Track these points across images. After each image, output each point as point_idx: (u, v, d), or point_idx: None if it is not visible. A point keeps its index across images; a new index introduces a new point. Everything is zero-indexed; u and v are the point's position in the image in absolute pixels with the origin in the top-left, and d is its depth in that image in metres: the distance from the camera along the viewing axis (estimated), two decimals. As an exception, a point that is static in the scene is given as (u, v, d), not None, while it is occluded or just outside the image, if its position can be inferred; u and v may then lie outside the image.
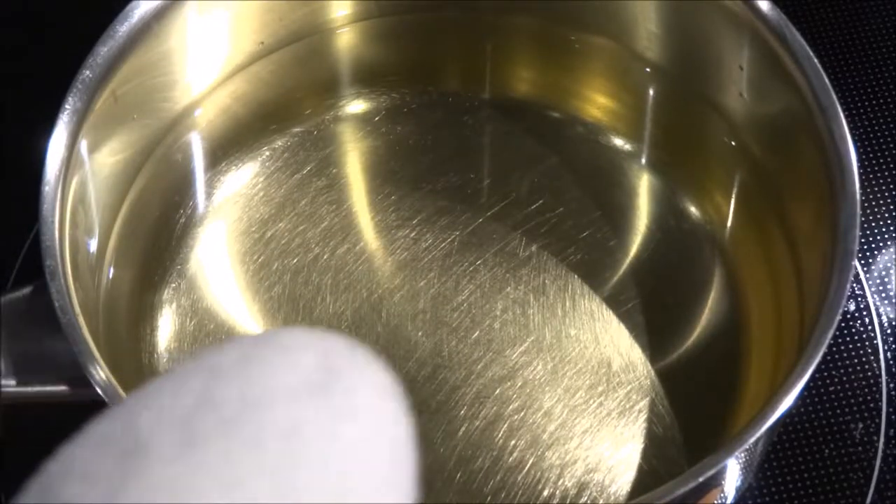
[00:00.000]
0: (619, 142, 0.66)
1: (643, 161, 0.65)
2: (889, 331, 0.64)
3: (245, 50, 0.65)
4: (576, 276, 0.61)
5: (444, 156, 0.65)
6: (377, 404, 0.32)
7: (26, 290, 0.52)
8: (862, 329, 0.64)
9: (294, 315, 0.61)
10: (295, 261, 0.62)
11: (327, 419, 0.30)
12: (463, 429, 0.58)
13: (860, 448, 0.61)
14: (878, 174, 0.69)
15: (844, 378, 0.63)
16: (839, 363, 0.63)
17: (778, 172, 0.60)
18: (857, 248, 0.51)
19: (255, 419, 0.30)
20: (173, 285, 0.62)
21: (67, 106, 0.55)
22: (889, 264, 0.67)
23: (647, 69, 0.65)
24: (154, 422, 0.30)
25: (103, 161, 0.59)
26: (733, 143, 0.63)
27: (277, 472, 0.29)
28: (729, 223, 0.63)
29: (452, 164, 0.65)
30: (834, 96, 0.55)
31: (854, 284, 0.65)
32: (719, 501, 0.57)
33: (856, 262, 0.61)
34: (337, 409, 0.31)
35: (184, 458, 0.29)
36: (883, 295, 0.66)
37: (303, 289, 0.62)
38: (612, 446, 0.57)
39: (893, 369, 0.63)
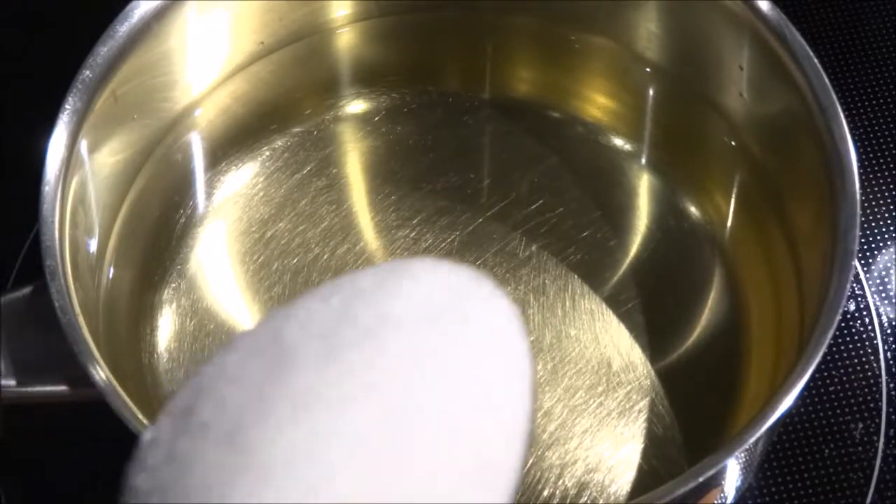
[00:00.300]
0: (619, 142, 0.66)
1: (643, 161, 0.65)
2: (889, 331, 0.64)
3: (245, 50, 0.65)
4: (576, 276, 0.61)
5: (444, 156, 0.65)
6: (499, 330, 0.35)
7: (26, 290, 0.52)
8: (862, 329, 0.64)
9: (294, 315, 0.61)
10: (295, 261, 0.62)
11: (454, 339, 0.34)
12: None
13: (860, 448, 0.61)
14: (878, 174, 0.69)
15: (844, 378, 0.63)
16: (839, 363, 0.63)
17: (778, 172, 0.60)
18: (857, 248, 0.51)
19: (389, 336, 0.33)
20: (173, 285, 0.62)
21: (67, 106, 0.55)
22: (889, 264, 0.67)
23: (647, 69, 0.65)
24: (298, 334, 0.33)
25: (103, 161, 0.59)
26: (733, 143, 0.63)
27: (409, 382, 0.32)
28: (729, 223, 0.63)
29: (452, 164, 0.65)
30: (834, 96, 0.55)
31: (854, 284, 0.65)
32: (719, 501, 0.57)
33: (856, 262, 0.61)
34: (462, 331, 0.34)
35: (325, 366, 0.32)
36: (883, 295, 0.66)
37: (303, 289, 0.61)
38: (612, 446, 0.57)
39: (893, 369, 0.63)
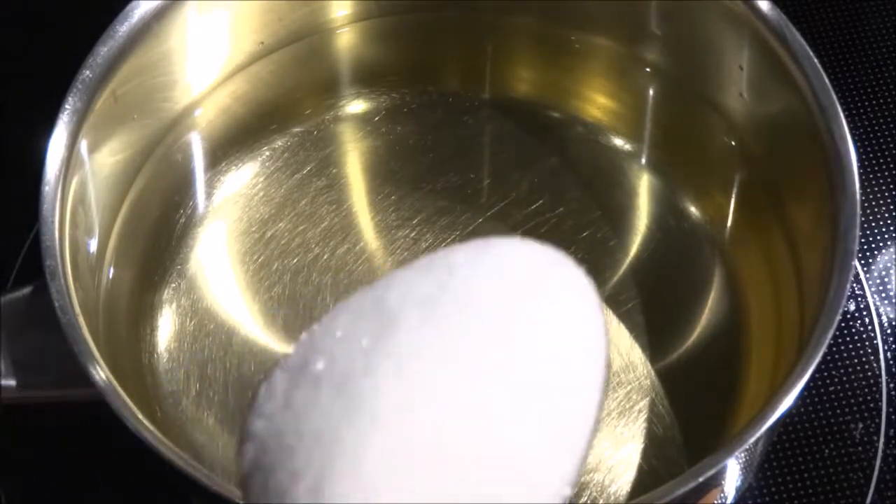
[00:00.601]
0: (619, 142, 0.66)
1: (643, 161, 0.65)
2: (889, 331, 0.64)
3: (245, 50, 0.65)
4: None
5: (444, 156, 0.65)
6: (578, 305, 0.38)
7: (26, 290, 0.52)
8: (862, 329, 0.64)
9: (294, 315, 0.61)
10: (295, 261, 0.62)
11: (539, 311, 0.38)
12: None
13: (860, 448, 0.61)
14: (878, 174, 0.69)
15: (844, 378, 0.63)
16: (839, 363, 0.63)
17: (778, 172, 0.60)
18: (857, 248, 0.51)
19: (481, 307, 0.37)
20: (173, 285, 0.62)
21: (67, 106, 0.55)
22: (889, 264, 0.67)
23: (647, 69, 0.65)
24: (401, 301, 0.37)
25: (103, 161, 0.59)
26: (733, 143, 0.63)
27: (498, 348, 0.36)
28: (729, 223, 0.63)
29: (452, 164, 0.65)
30: (834, 96, 0.55)
31: (854, 284, 0.65)
32: (719, 501, 0.57)
33: (856, 262, 0.61)
34: (548, 304, 0.38)
35: (425, 329, 0.36)
36: (883, 295, 0.66)
37: (303, 289, 0.62)
38: (612, 446, 0.57)
39: (893, 369, 0.63)
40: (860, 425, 0.62)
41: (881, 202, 0.68)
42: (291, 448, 0.36)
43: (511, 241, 0.40)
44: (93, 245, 0.58)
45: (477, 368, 0.36)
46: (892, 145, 0.70)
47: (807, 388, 0.48)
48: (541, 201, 0.64)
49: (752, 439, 0.48)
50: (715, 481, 0.50)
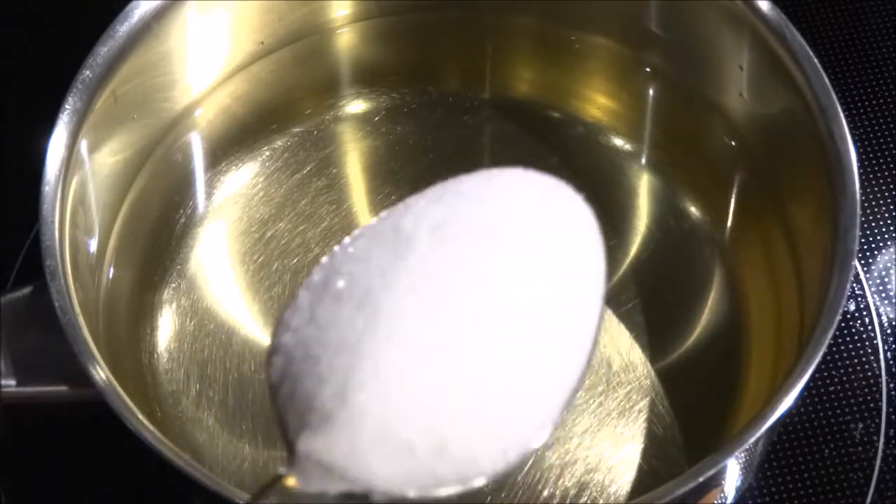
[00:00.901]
0: (619, 142, 0.66)
1: (643, 161, 0.65)
2: (889, 331, 0.64)
3: (245, 50, 0.65)
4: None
5: (444, 156, 0.65)
6: (577, 224, 0.42)
7: (26, 290, 0.52)
8: (862, 329, 0.64)
9: (294, 315, 0.61)
10: (295, 261, 0.62)
11: (541, 233, 0.41)
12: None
13: (860, 448, 0.61)
14: (878, 174, 0.69)
15: (844, 378, 0.63)
16: (839, 363, 0.63)
17: (778, 172, 0.60)
18: (857, 248, 0.51)
19: (488, 227, 0.41)
20: (173, 285, 0.62)
21: (67, 106, 0.55)
22: (889, 264, 0.67)
23: (647, 69, 0.65)
24: (415, 225, 0.41)
25: (103, 161, 0.59)
26: (733, 143, 0.63)
27: (505, 262, 0.40)
28: (729, 223, 0.63)
29: (452, 164, 0.65)
30: (834, 96, 0.55)
31: (854, 284, 0.65)
32: (719, 501, 0.57)
33: (856, 262, 0.61)
34: (549, 227, 0.41)
35: (437, 251, 0.40)
36: (883, 295, 0.66)
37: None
38: (612, 446, 0.57)
39: (893, 369, 0.63)
40: (860, 425, 0.62)
41: (881, 202, 0.68)
42: (317, 357, 0.39)
43: (515, 170, 0.43)
44: (93, 245, 0.58)
45: (485, 286, 0.39)
46: (892, 145, 0.70)
47: (807, 388, 0.48)
48: (541, 201, 0.64)
49: (752, 439, 0.48)
50: (715, 481, 0.50)
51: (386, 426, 0.38)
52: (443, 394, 0.38)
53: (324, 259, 0.41)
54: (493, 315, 0.39)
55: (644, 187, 0.65)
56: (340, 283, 0.40)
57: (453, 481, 0.39)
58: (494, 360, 0.39)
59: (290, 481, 0.38)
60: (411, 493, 0.38)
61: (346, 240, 0.42)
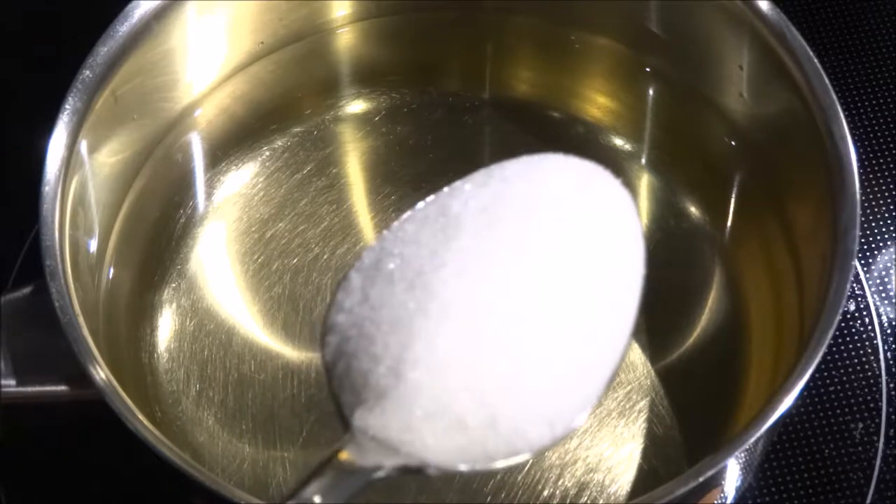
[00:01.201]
0: (619, 142, 0.65)
1: (643, 161, 0.65)
2: (889, 331, 0.64)
3: (245, 50, 0.65)
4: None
5: (444, 156, 0.65)
6: (618, 209, 0.44)
7: (26, 290, 0.52)
8: (862, 329, 0.64)
9: (294, 315, 0.61)
10: (295, 261, 0.62)
11: (583, 215, 0.43)
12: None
13: (860, 448, 0.61)
14: (878, 174, 0.69)
15: (844, 378, 0.63)
16: (839, 363, 0.63)
17: (778, 173, 0.60)
18: (857, 248, 0.51)
19: (533, 210, 0.42)
20: (173, 285, 0.62)
21: (67, 106, 0.55)
22: (889, 264, 0.67)
23: (647, 69, 0.65)
24: (462, 208, 0.42)
25: (103, 161, 0.59)
26: (733, 143, 0.63)
27: (550, 243, 0.42)
28: (729, 223, 0.63)
29: (452, 164, 0.65)
30: (834, 96, 0.55)
31: (854, 284, 0.65)
32: (719, 501, 0.57)
33: (856, 262, 0.61)
34: (590, 209, 0.43)
35: (485, 233, 0.41)
36: (883, 295, 0.66)
37: (303, 289, 0.62)
38: (612, 446, 0.57)
39: (893, 369, 0.63)
40: (860, 425, 0.62)
41: (881, 202, 0.68)
42: (371, 336, 0.40)
43: (557, 155, 0.46)
44: (93, 245, 0.58)
45: (532, 266, 0.41)
46: (892, 145, 0.70)
47: (807, 388, 0.48)
48: (541, 201, 0.64)
49: (752, 439, 0.48)
50: (715, 481, 0.50)
51: (439, 402, 0.39)
52: (493, 370, 0.40)
53: (373, 243, 0.44)
54: (540, 294, 0.41)
55: (644, 187, 0.65)
56: (391, 265, 0.41)
57: (503, 455, 0.40)
58: (541, 338, 0.41)
59: (345, 455, 0.40)
60: (463, 467, 0.40)
61: (395, 224, 0.44)
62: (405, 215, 0.44)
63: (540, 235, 0.42)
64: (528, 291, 0.41)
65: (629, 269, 0.44)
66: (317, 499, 0.39)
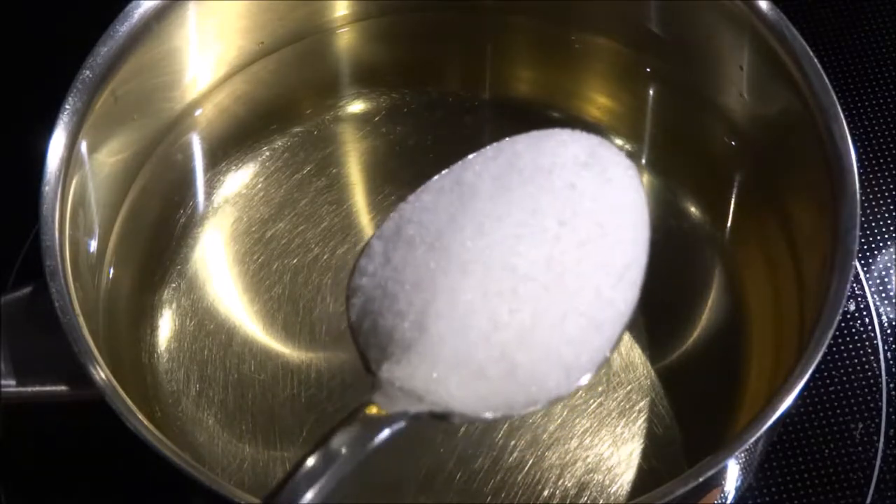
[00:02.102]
0: (619, 142, 0.65)
1: (643, 161, 0.65)
2: (889, 331, 0.64)
3: (245, 50, 0.65)
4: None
5: (444, 156, 0.65)
6: (623, 178, 0.47)
7: (26, 290, 0.52)
8: (862, 329, 0.64)
9: (294, 315, 0.61)
10: (295, 261, 0.62)
11: (591, 182, 0.45)
12: (463, 429, 0.57)
13: (860, 448, 0.61)
14: (878, 174, 0.69)
15: (844, 378, 0.63)
16: (839, 363, 0.63)
17: (778, 173, 0.60)
18: (857, 248, 0.51)
19: (544, 178, 0.45)
20: (173, 285, 0.62)
21: (67, 106, 0.55)
22: (889, 264, 0.67)
23: (648, 69, 0.65)
24: (476, 178, 0.45)
25: (103, 161, 0.59)
26: (733, 143, 0.63)
27: (561, 206, 0.44)
28: (729, 223, 0.63)
29: (452, 164, 0.65)
30: (834, 96, 0.55)
31: (854, 284, 0.65)
32: (719, 501, 0.57)
33: (856, 262, 0.61)
34: (598, 177, 0.46)
35: (499, 197, 0.44)
36: (883, 295, 0.66)
37: (303, 289, 0.62)
38: (612, 446, 0.57)
39: (893, 369, 0.63)
40: (860, 425, 0.62)
41: (881, 202, 0.68)
42: (394, 294, 0.43)
43: (563, 130, 0.48)
44: (93, 245, 0.58)
45: (547, 226, 0.44)
46: (892, 145, 0.70)
47: (807, 388, 0.49)
48: (541, 201, 0.64)
49: (752, 439, 0.48)
50: (715, 481, 0.51)
51: (461, 353, 0.42)
52: (511, 323, 0.42)
53: (392, 214, 0.46)
54: (554, 252, 0.44)
55: (644, 187, 0.64)
56: (411, 231, 0.44)
57: (523, 403, 0.43)
58: (556, 294, 0.43)
59: (374, 407, 0.42)
60: (487, 415, 0.42)
61: (411, 196, 0.47)
62: (421, 188, 0.47)
63: (552, 198, 0.45)
64: (542, 250, 0.44)
65: (636, 229, 0.47)
66: (343, 450, 0.40)
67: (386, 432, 0.42)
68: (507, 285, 0.43)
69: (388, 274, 0.44)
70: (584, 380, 0.44)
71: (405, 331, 0.42)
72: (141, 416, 0.48)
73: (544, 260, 0.44)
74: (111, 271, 0.60)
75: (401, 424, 0.42)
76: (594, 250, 0.45)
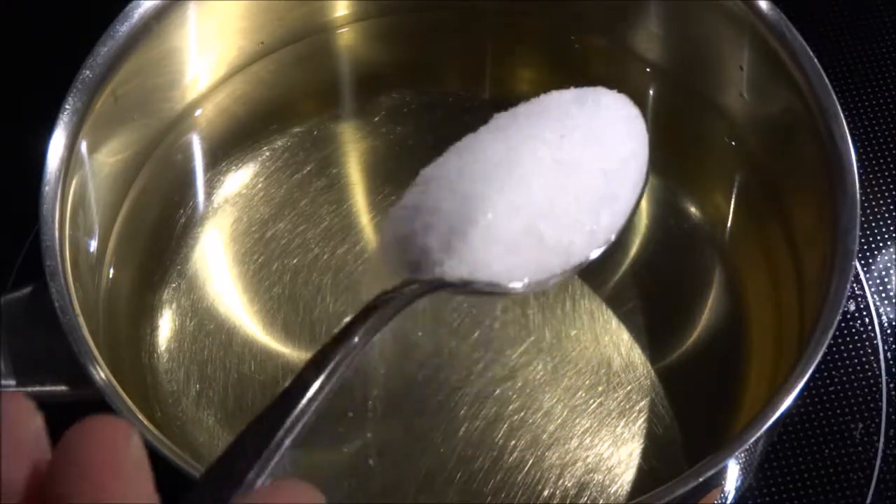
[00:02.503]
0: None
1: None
2: (889, 331, 0.64)
3: (245, 50, 0.65)
4: (576, 277, 0.61)
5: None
6: (625, 114, 0.52)
7: (26, 290, 0.52)
8: (862, 329, 0.64)
9: (294, 315, 0.61)
10: (295, 261, 0.62)
11: (594, 120, 0.51)
12: (463, 429, 0.58)
13: (860, 448, 0.61)
14: (878, 174, 0.69)
15: (844, 378, 0.63)
16: (839, 363, 0.63)
17: (778, 172, 0.60)
18: (857, 248, 0.52)
19: (559, 111, 0.51)
20: (173, 285, 0.62)
21: (67, 106, 0.55)
22: (889, 264, 0.67)
23: (647, 69, 0.65)
24: (492, 130, 0.51)
25: (103, 161, 0.59)
26: (733, 143, 0.63)
27: (563, 126, 0.50)
28: (729, 223, 0.63)
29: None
30: (834, 96, 0.55)
31: (854, 284, 0.65)
32: (719, 501, 0.57)
33: (856, 262, 0.61)
34: (600, 116, 0.51)
35: (519, 130, 0.50)
36: (883, 295, 0.66)
37: (303, 289, 0.61)
38: (612, 446, 0.57)
39: (893, 369, 0.63)
40: (860, 425, 0.62)
41: (881, 202, 0.68)
42: (432, 204, 0.48)
43: (565, 91, 0.52)
44: (93, 245, 0.58)
45: (555, 154, 0.49)
46: (892, 145, 0.70)
47: (807, 388, 0.49)
48: (541, 201, 0.64)
49: (752, 439, 0.48)
50: (715, 481, 0.51)
51: (495, 232, 0.46)
52: (533, 202, 0.47)
53: (418, 179, 0.50)
54: (561, 154, 0.49)
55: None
56: (443, 171, 0.49)
57: (557, 267, 0.48)
58: (570, 178, 0.49)
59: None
60: (524, 281, 0.48)
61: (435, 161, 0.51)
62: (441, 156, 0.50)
63: (558, 132, 0.49)
64: (561, 153, 0.49)
65: (636, 138, 0.52)
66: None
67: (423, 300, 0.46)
68: (531, 179, 0.48)
69: (417, 197, 0.49)
70: (606, 242, 0.50)
71: (444, 223, 0.47)
72: (141, 416, 0.48)
73: (551, 159, 0.49)
74: (111, 271, 0.60)
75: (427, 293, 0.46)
76: (596, 146, 0.50)
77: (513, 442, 0.57)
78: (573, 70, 0.67)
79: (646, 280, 0.62)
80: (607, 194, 0.50)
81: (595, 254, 0.50)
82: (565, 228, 0.48)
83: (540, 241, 0.48)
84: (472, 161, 0.49)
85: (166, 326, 0.61)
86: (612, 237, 0.50)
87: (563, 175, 0.49)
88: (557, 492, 0.56)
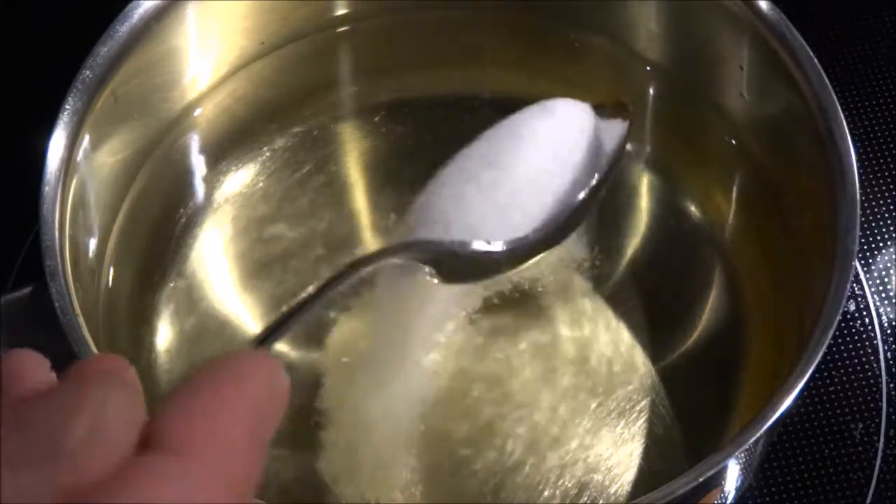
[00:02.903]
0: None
1: (643, 161, 0.65)
2: (889, 331, 0.65)
3: (245, 49, 0.65)
4: (576, 276, 0.61)
5: (444, 156, 0.65)
6: (578, 118, 0.54)
7: (26, 290, 0.52)
8: (862, 329, 0.64)
9: (294, 315, 0.61)
10: (295, 261, 0.62)
11: (548, 128, 0.54)
12: (463, 429, 0.57)
13: (860, 448, 0.61)
14: (878, 174, 0.69)
15: (844, 378, 0.63)
16: (839, 363, 0.63)
17: (778, 172, 0.60)
18: (857, 248, 0.51)
19: (501, 132, 0.55)
20: (173, 285, 0.62)
21: (67, 106, 0.55)
22: (889, 264, 0.67)
23: (647, 69, 0.65)
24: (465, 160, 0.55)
25: (103, 161, 0.59)
26: (733, 143, 0.63)
27: (519, 148, 0.53)
28: (729, 223, 0.63)
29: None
30: (834, 96, 0.55)
31: (854, 284, 0.65)
32: (719, 501, 0.57)
33: (856, 262, 0.61)
34: (554, 123, 0.54)
35: (489, 142, 0.55)
36: (883, 295, 0.66)
37: (303, 289, 0.61)
38: (612, 446, 0.57)
39: (893, 369, 0.63)
40: (860, 425, 0.62)
41: (881, 202, 0.68)
42: (435, 216, 0.52)
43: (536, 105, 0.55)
44: (93, 245, 0.58)
45: (521, 161, 0.53)
46: (892, 145, 0.70)
47: (807, 388, 0.49)
48: (541, 201, 0.64)
49: (752, 439, 0.48)
50: (715, 481, 0.51)
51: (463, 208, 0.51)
52: (476, 203, 0.52)
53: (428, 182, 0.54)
54: (515, 177, 0.52)
55: (644, 187, 0.65)
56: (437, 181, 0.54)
57: (511, 228, 0.51)
58: (529, 194, 0.52)
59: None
60: (488, 244, 0.51)
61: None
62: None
63: (510, 144, 0.53)
64: (514, 175, 0.52)
65: (582, 160, 0.53)
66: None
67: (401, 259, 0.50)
68: (486, 171, 0.52)
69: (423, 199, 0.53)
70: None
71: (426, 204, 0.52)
72: (141, 416, 0.48)
73: (517, 180, 0.52)
74: (111, 271, 0.60)
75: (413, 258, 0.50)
76: (540, 181, 0.52)
77: (512, 442, 0.57)
78: (573, 70, 0.67)
79: (646, 280, 0.62)
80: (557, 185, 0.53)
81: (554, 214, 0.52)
82: (526, 197, 0.52)
83: (502, 211, 0.52)
84: (451, 169, 0.54)
85: (166, 326, 0.61)
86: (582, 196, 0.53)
87: (524, 172, 0.53)
88: (557, 492, 0.56)
